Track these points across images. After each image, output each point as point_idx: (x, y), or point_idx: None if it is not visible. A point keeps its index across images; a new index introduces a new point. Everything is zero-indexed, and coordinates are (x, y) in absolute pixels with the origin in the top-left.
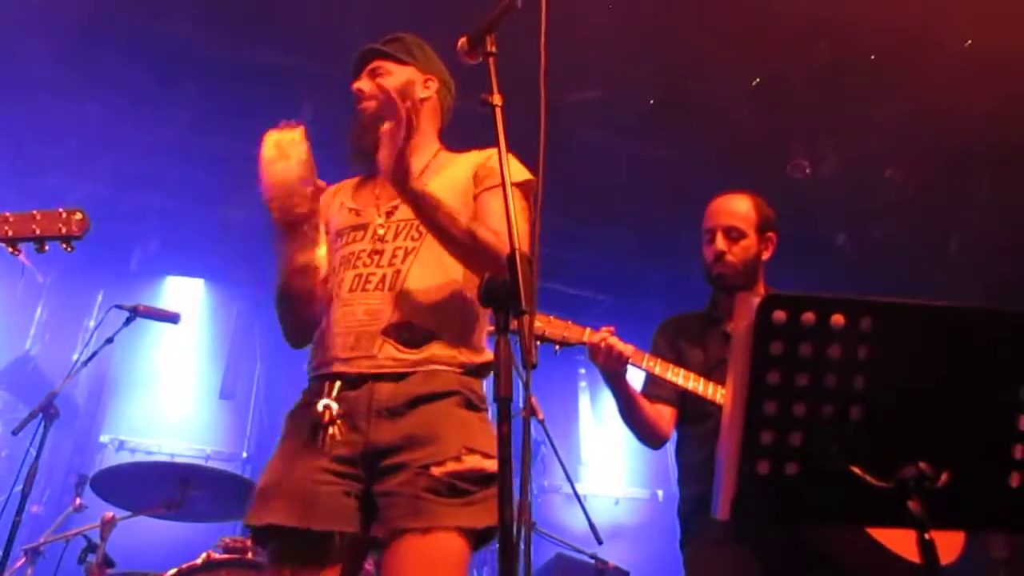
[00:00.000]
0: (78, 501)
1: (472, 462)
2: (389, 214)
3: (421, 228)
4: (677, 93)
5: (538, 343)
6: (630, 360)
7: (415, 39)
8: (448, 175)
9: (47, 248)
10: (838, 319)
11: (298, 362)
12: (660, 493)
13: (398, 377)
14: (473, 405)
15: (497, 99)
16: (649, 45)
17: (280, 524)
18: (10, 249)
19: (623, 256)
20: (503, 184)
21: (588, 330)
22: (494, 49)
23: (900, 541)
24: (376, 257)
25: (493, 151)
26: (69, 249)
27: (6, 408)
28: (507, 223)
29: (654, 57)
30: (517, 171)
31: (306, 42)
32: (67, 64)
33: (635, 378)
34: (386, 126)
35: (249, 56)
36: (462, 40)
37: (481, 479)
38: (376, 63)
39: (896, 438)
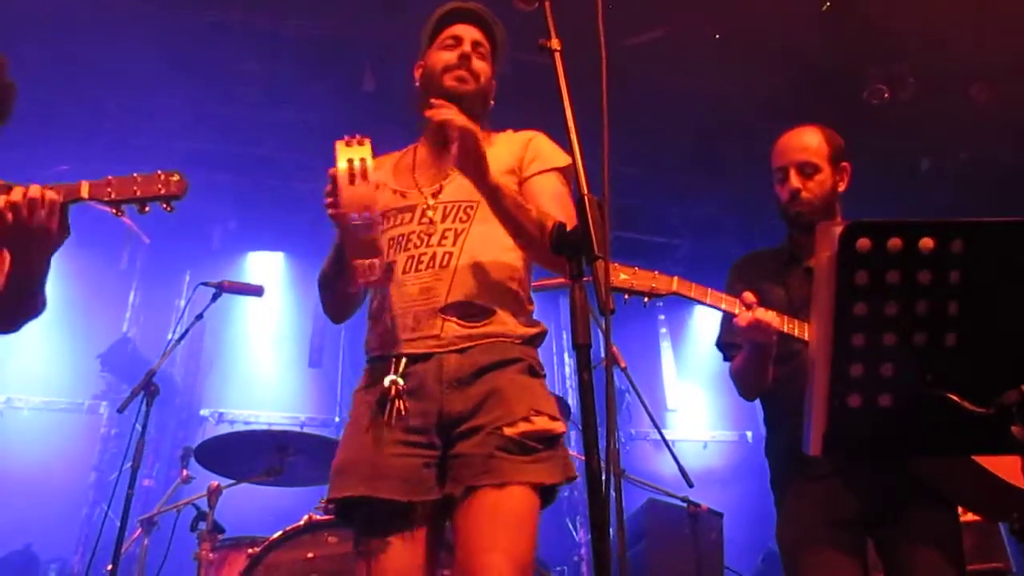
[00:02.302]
0: (185, 473)
1: (541, 423)
2: (435, 195)
3: (468, 210)
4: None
5: (626, 296)
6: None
7: (498, 22)
8: (493, 155)
9: (148, 209)
10: (927, 243)
11: None
12: (749, 434)
13: (463, 350)
14: (534, 372)
15: (556, 43)
16: None
17: (361, 495)
18: (113, 211)
19: (697, 200)
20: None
21: (732, 300)
22: None
23: (1012, 469)
24: (426, 238)
25: (533, 134)
26: (169, 209)
27: (111, 389)
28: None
29: None
30: (558, 156)
31: (367, 11)
32: (132, 51)
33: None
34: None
35: (310, 28)
36: None
37: (548, 439)
38: (481, 37)
39: (995, 363)
